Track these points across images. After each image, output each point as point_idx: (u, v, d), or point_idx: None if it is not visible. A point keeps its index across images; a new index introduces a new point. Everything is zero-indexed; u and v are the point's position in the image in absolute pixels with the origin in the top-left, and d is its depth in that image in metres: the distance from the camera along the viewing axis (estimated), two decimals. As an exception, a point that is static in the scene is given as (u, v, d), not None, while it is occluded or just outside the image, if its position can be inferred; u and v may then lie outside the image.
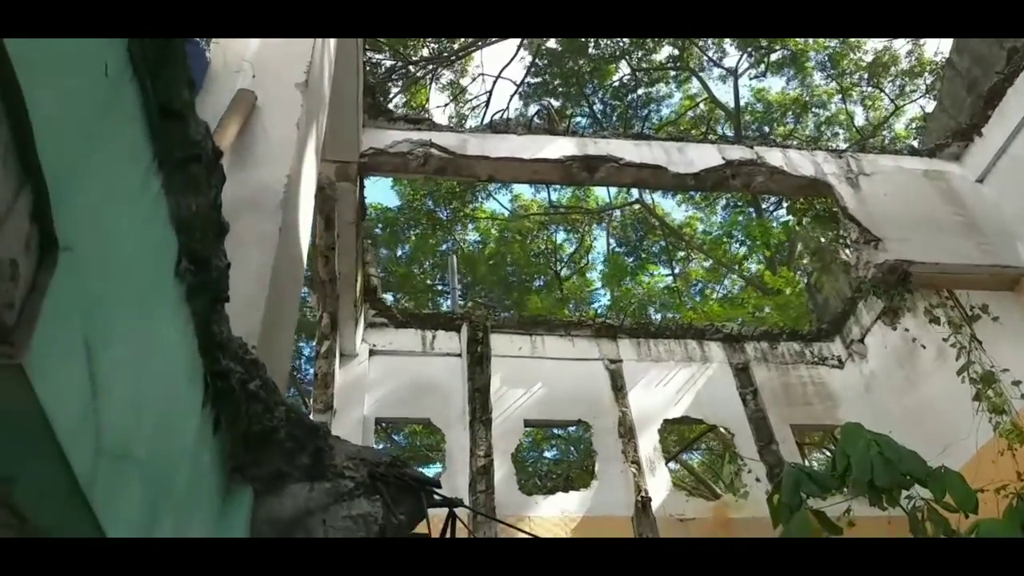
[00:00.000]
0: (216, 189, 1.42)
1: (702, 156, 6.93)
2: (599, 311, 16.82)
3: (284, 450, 1.93)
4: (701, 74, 20.00)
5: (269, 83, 2.73)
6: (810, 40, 18.33)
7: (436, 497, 2.20)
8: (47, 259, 0.88)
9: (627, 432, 8.11)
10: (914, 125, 18.39)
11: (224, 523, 1.69)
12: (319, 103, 3.10)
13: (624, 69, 19.93)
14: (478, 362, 8.00)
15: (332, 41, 3.63)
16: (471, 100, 18.50)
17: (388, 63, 17.24)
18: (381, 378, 8.06)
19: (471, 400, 7.80)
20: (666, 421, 8.36)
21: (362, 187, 6.96)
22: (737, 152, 7.04)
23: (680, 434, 12.72)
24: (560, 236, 20.94)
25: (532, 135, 6.89)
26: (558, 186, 19.91)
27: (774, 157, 7.01)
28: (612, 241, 20.41)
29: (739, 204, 17.27)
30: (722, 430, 8.56)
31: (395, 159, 6.42)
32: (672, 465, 12.00)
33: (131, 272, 1.15)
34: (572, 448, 16.72)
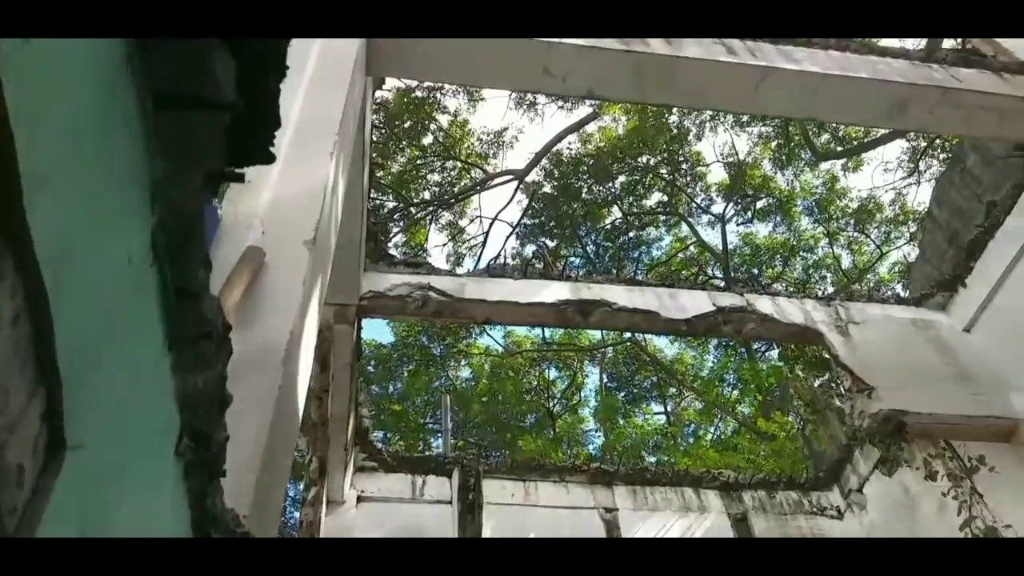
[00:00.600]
0: (223, 364, 1.42)
1: (694, 302, 7.04)
2: (593, 451, 16.54)
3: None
4: (690, 219, 20.64)
5: (278, 239, 2.79)
6: (796, 187, 19.07)
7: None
8: (53, 461, 0.86)
9: (623, 585, 7.76)
10: (897, 269, 18.86)
11: None
12: (325, 256, 3.16)
13: (616, 213, 20.59)
14: (470, 510, 7.74)
15: (341, 190, 3.76)
16: (469, 240, 18.97)
17: (391, 204, 17.80)
18: (369, 526, 7.77)
19: (461, 549, 7.49)
20: (663, 574, 8.02)
21: (359, 329, 6.99)
22: (728, 299, 7.16)
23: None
24: (552, 373, 20.90)
25: (528, 279, 7.00)
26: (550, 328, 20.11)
27: (764, 304, 7.12)
28: (605, 377, 20.37)
29: (730, 343, 17.36)
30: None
31: (394, 302, 6.49)
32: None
33: (135, 456, 1.13)
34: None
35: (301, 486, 8.50)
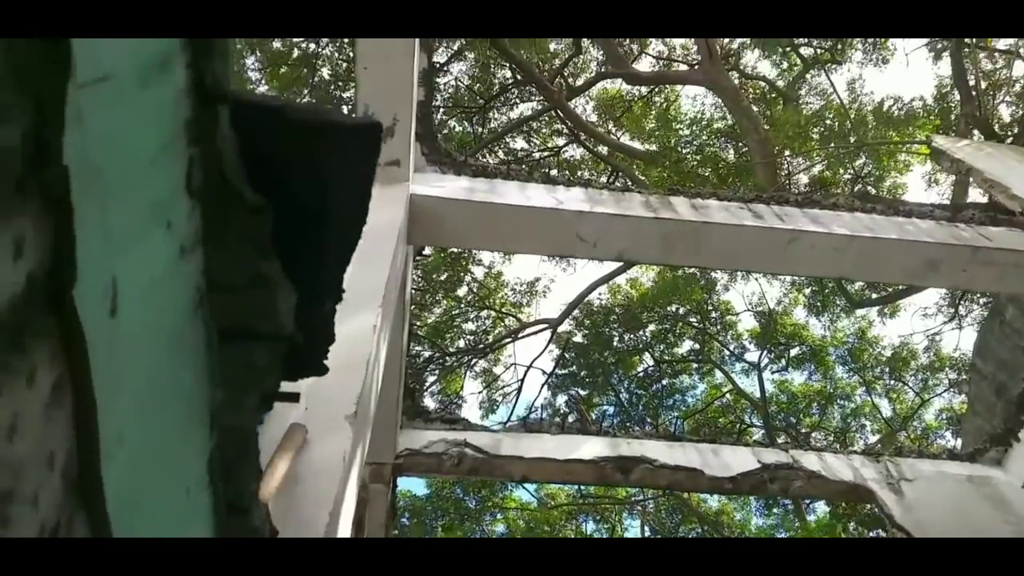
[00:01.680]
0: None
1: (738, 459, 6.86)
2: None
3: None
4: (723, 367, 20.47)
5: (320, 415, 2.85)
6: (827, 335, 18.94)
7: None
8: None
9: None
10: (945, 416, 18.28)
11: None
12: (365, 426, 3.20)
13: (648, 361, 20.52)
14: None
15: (383, 359, 3.83)
16: (503, 387, 18.91)
17: (426, 353, 17.98)
18: None
19: None
20: None
21: (394, 488, 6.91)
22: (772, 455, 6.97)
23: None
24: (590, 526, 20.19)
25: (565, 435, 6.93)
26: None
27: (810, 461, 6.91)
28: (647, 530, 19.59)
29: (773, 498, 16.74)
30: None
31: (429, 459, 6.44)
32: None
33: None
34: None
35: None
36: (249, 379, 1.16)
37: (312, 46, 15.59)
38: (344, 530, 2.82)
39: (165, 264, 0.90)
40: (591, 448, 6.78)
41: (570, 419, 7.69)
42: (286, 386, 2.44)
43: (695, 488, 6.88)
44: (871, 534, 10.19)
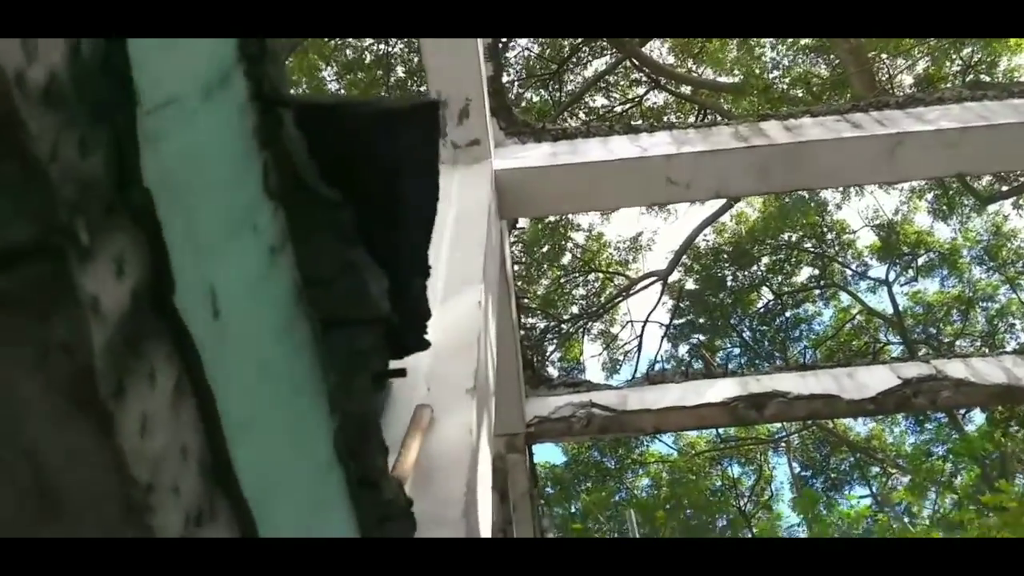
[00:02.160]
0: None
1: (875, 379, 6.60)
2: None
3: None
4: (848, 288, 19.63)
5: (442, 394, 2.95)
6: (957, 237, 17.79)
7: None
8: None
9: None
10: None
11: None
12: (487, 398, 3.29)
13: (767, 295, 19.93)
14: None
15: (493, 332, 3.91)
16: (623, 346, 18.87)
17: (542, 324, 18.14)
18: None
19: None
20: None
21: (531, 456, 7.05)
22: (913, 369, 6.66)
23: None
24: (735, 469, 19.92)
25: (690, 381, 6.86)
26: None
27: (956, 368, 6.55)
28: (795, 465, 19.15)
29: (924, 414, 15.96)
30: None
31: (559, 424, 6.52)
32: None
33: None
34: None
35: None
36: (356, 362, 1.22)
37: (384, 47, 15.85)
38: (483, 498, 2.92)
39: (259, 265, 0.96)
40: (720, 390, 6.68)
41: (695, 366, 7.60)
42: (394, 364, 2.55)
43: (833, 414, 6.68)
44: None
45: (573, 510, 18.43)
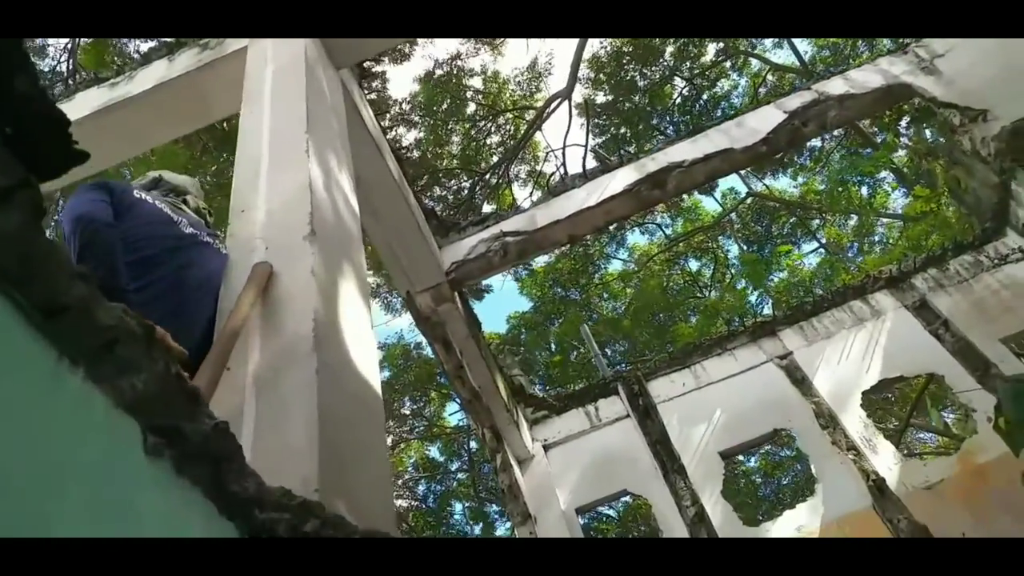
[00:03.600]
0: (162, 360, 1.44)
1: (763, 120, 6.60)
2: (756, 313, 16.05)
3: None
4: (754, 52, 19.45)
5: (278, 247, 2.86)
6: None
7: None
8: None
9: (829, 421, 7.49)
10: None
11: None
12: (339, 243, 3.20)
13: (679, 83, 19.72)
14: (645, 415, 7.73)
15: (345, 183, 3.78)
16: (551, 176, 18.76)
17: (467, 184, 17.90)
18: (564, 468, 7.93)
19: (655, 455, 7.49)
20: (864, 393, 7.66)
21: (464, 301, 7.10)
22: (796, 100, 6.66)
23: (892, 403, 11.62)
24: (693, 264, 20.43)
25: (591, 181, 6.83)
26: (668, 221, 19.63)
27: (836, 86, 6.56)
28: (744, 246, 19.67)
29: (839, 147, 16.24)
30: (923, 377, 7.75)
31: (478, 262, 6.53)
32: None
33: (67, 467, 1.17)
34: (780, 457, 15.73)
35: (489, 460, 8.78)
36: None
37: None
38: (355, 337, 2.89)
39: None
40: (621, 180, 6.67)
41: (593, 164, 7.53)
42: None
43: (733, 167, 6.72)
44: (925, 128, 9.77)
45: (553, 348, 18.94)
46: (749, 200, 18.26)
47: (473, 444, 17.83)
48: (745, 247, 18.89)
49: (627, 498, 9.81)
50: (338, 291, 2.93)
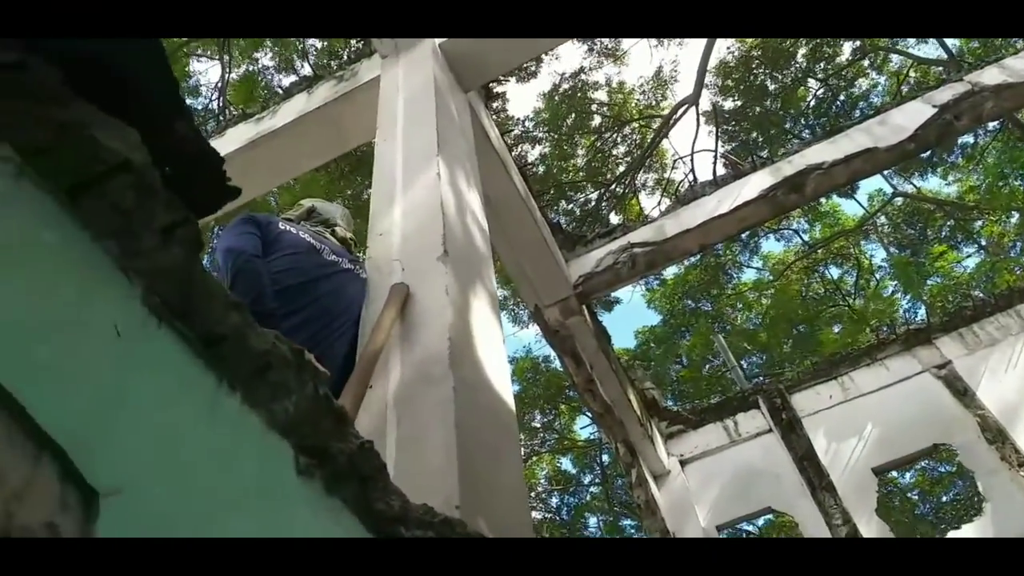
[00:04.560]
0: (312, 383, 1.50)
1: (909, 116, 6.19)
2: (908, 320, 15.03)
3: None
4: (897, 47, 18.35)
5: (415, 268, 2.94)
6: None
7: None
8: (91, 509, 0.96)
9: (996, 436, 6.89)
10: None
11: None
12: (470, 263, 3.25)
13: (813, 85, 18.88)
14: (790, 429, 7.38)
15: (475, 202, 3.85)
16: (679, 184, 18.41)
17: (593, 196, 17.84)
18: (702, 484, 7.70)
19: (801, 471, 7.14)
20: (1036, 404, 7.00)
21: (593, 314, 7.06)
22: (947, 93, 6.21)
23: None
24: (834, 272, 19.43)
25: (723, 187, 6.63)
26: (805, 227, 18.78)
27: (991, 76, 6.07)
28: (893, 250, 18.51)
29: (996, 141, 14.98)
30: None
31: (605, 275, 6.47)
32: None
33: (227, 487, 1.23)
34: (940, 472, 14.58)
35: (624, 476, 8.65)
36: (129, 220, 1.19)
37: None
38: (489, 356, 2.92)
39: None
40: (754, 185, 6.44)
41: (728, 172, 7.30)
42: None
43: (876, 167, 6.33)
44: None
45: (684, 362, 18.51)
46: (898, 202, 17.16)
47: (606, 457, 17.67)
48: (895, 250, 17.76)
49: (769, 516, 9.41)
50: (471, 309, 2.97)
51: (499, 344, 3.18)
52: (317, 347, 2.58)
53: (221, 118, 8.38)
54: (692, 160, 17.36)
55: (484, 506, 2.17)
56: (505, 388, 2.93)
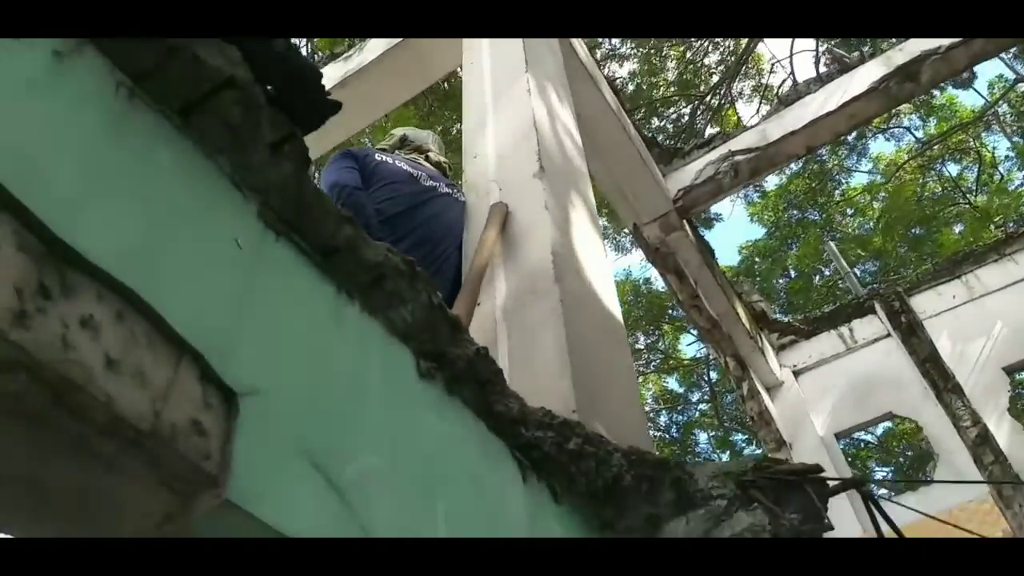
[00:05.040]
0: (425, 292, 1.53)
1: (1036, -17, 5.62)
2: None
3: (641, 493, 1.90)
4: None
5: (512, 187, 2.93)
6: None
7: (828, 483, 1.96)
8: (232, 408, 1.01)
9: None
10: None
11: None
12: (571, 177, 3.22)
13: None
14: (910, 332, 7.07)
15: (568, 118, 3.78)
16: (780, 87, 17.48)
17: (686, 110, 17.21)
18: (818, 393, 7.53)
19: (925, 374, 6.85)
20: None
21: (694, 228, 6.90)
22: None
23: None
24: (952, 169, 18.17)
25: (830, 83, 6.26)
26: (918, 123, 17.58)
27: None
28: (1017, 139, 17.12)
29: None
30: None
31: (707, 187, 6.27)
32: None
33: (355, 389, 1.28)
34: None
35: (736, 390, 8.56)
36: (239, 135, 1.22)
37: None
38: (593, 269, 2.90)
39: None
40: (864, 78, 6.04)
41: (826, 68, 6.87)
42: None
43: (1000, 47, 5.81)
44: None
45: (793, 275, 17.92)
46: (1021, 88, 15.81)
47: (713, 374, 17.51)
48: (1020, 140, 16.45)
49: (889, 423, 9.15)
50: (571, 224, 2.95)
51: (601, 256, 3.15)
52: (426, 271, 2.64)
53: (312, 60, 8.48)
54: (791, 62, 16.40)
55: (600, 411, 2.18)
56: (611, 298, 2.91)
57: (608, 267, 3.15)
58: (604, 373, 2.42)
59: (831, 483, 1.98)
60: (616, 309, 2.91)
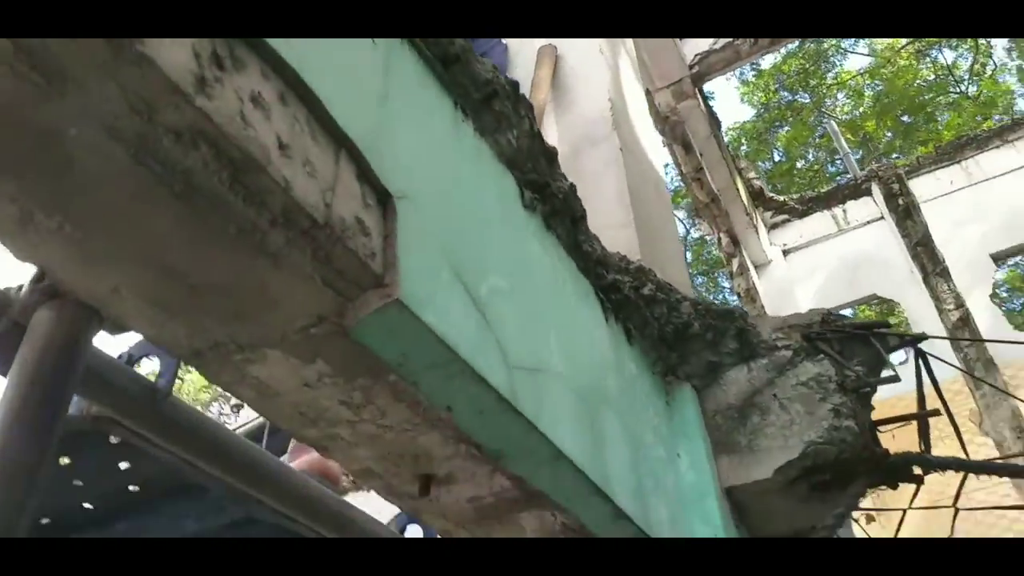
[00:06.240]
0: (527, 118, 1.45)
1: None
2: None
3: (706, 341, 1.91)
4: None
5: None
6: None
7: (891, 338, 1.98)
8: (388, 209, 0.96)
9: None
10: None
11: (673, 420, 1.71)
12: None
13: None
14: (906, 215, 7.12)
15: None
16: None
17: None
18: (806, 273, 7.65)
19: (915, 257, 6.96)
20: None
21: (705, 98, 6.74)
22: None
23: None
24: (947, 55, 17.81)
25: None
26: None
27: None
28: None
29: None
30: None
31: (724, 53, 6.06)
32: None
33: (479, 209, 1.22)
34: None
35: (726, 267, 8.65)
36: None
37: None
38: (639, 120, 2.81)
39: None
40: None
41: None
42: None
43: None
44: None
45: (778, 158, 17.77)
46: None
47: (688, 254, 17.66)
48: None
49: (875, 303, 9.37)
50: (620, 72, 2.83)
51: (646, 108, 3.06)
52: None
53: None
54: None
55: (658, 261, 2.16)
56: (656, 150, 2.85)
57: (651, 124, 3.06)
58: (658, 225, 2.39)
59: (893, 338, 2.01)
60: (659, 164, 2.85)
